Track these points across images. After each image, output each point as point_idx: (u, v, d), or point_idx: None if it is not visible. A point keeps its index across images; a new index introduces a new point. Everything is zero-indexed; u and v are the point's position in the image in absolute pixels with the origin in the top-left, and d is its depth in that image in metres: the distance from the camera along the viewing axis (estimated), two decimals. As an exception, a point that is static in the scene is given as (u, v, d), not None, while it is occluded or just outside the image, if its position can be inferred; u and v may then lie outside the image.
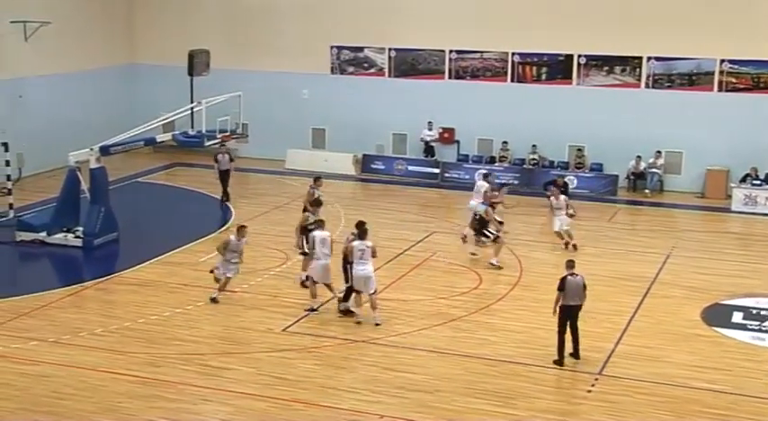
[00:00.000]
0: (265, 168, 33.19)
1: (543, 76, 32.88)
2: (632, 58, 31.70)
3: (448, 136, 33.48)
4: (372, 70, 34.60)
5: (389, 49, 34.31)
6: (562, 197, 23.93)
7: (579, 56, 32.16)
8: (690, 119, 30.71)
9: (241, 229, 19.58)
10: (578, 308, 16.32)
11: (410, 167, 32.98)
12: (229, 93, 25.60)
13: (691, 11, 30.44)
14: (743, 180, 29.81)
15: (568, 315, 16.21)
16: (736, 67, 30.75)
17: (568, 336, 16.28)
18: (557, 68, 32.60)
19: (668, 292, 20.40)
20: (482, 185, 23.98)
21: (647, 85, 31.72)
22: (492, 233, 22.18)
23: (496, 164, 32.54)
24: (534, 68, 32.95)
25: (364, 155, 33.78)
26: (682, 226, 27.37)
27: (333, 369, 16.10)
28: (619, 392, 15.23)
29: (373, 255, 18.15)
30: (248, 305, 19.15)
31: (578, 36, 31.49)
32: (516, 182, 31.33)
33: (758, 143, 29.82)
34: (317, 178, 23.17)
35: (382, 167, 33.40)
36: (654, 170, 31.24)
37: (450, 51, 33.57)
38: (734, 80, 30.87)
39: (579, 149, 32.14)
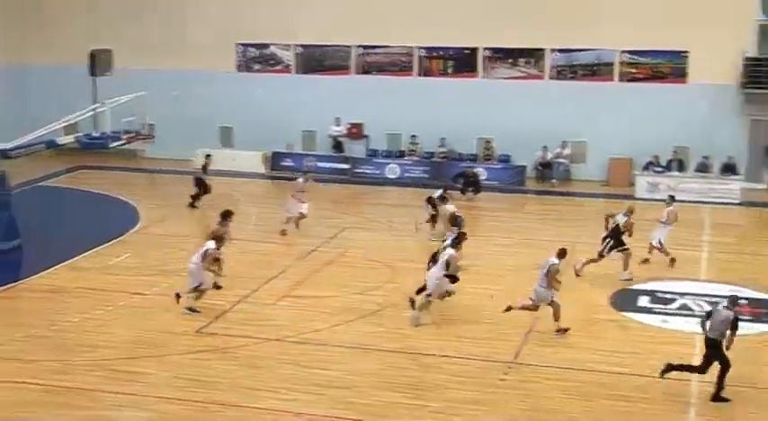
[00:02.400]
0: (174, 169, 32.73)
1: (449, 70, 33.20)
2: (535, 51, 32.25)
3: (356, 131, 33.54)
4: (279, 67, 34.44)
5: (295, 46, 34.20)
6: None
7: (484, 49, 32.59)
8: (593, 109, 31.40)
9: (221, 239, 19.09)
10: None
11: (320, 164, 32.94)
12: (134, 92, 25.14)
13: (590, 2, 31.10)
14: (645, 168, 30.63)
15: None
16: (635, 57, 31.55)
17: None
18: (462, 62, 32.94)
19: (576, 280, 20.77)
20: None
21: (550, 77, 32.32)
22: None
23: (405, 158, 32.75)
24: (440, 62, 33.24)
25: (273, 152, 33.61)
26: (588, 214, 27.94)
27: (249, 369, 16.00)
28: (531, 379, 15.49)
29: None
30: (161, 307, 18.86)
31: (483, 29, 31.89)
32: (426, 175, 31.62)
33: (659, 131, 30.61)
34: (227, 213, 20.87)
35: (292, 164, 33.29)
36: (560, 160, 31.87)
37: (357, 47, 33.65)
38: (633, 70, 31.68)
39: (487, 141, 32.56)
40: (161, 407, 14.55)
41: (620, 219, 20.84)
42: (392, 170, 32.42)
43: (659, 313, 18.57)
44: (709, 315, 14.78)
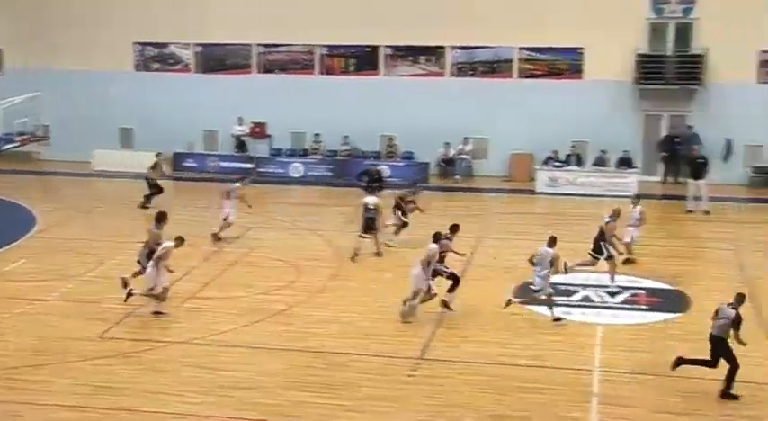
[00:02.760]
0: (71, 170, 31.92)
1: (351, 68, 33.23)
2: (436, 48, 32.53)
3: (259, 130, 33.31)
4: (178, 66, 33.94)
5: (195, 45, 33.75)
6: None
7: (385, 47, 32.71)
8: (493, 105, 31.83)
9: (180, 240, 18.53)
10: None
11: (222, 164, 32.60)
12: (28, 93, 24.45)
13: (489, 1, 31.48)
14: (545, 162, 31.19)
15: None
16: (533, 54, 32.11)
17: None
18: (363, 60, 33.02)
19: (483, 274, 21.04)
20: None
21: (451, 74, 32.66)
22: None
23: (309, 156, 32.64)
24: (342, 60, 33.24)
25: (175, 153, 33.10)
26: (491, 209, 28.31)
27: (155, 373, 15.68)
28: (441, 375, 15.58)
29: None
30: (61, 313, 18.34)
31: (383, 27, 32.00)
32: (330, 173, 31.59)
33: (557, 126, 31.21)
34: (161, 216, 19.54)
35: (194, 165, 32.86)
36: (462, 156, 32.22)
37: (258, 45, 33.40)
38: (531, 67, 32.24)
39: (390, 139, 32.70)
40: (62, 415, 14.14)
41: (605, 222, 20.20)
42: (296, 169, 32.30)
43: (562, 305, 18.88)
44: (716, 313, 14.76)
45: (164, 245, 18.29)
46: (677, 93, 31.16)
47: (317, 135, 32.90)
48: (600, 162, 31.10)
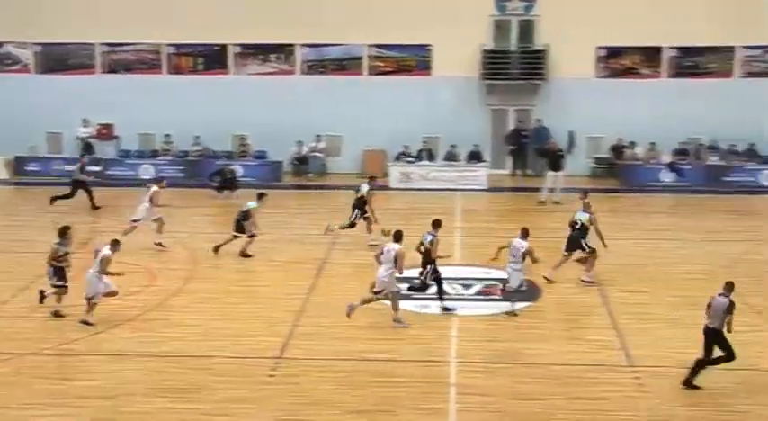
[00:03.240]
0: None
1: (199, 67, 32.78)
2: (285, 46, 32.46)
3: (106, 132, 32.45)
4: (17, 67, 32.67)
5: (33, 44, 32.56)
6: None
7: (234, 45, 32.41)
8: (345, 102, 31.97)
9: (116, 243, 17.91)
10: None
11: (68, 167, 31.41)
12: None
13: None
14: (398, 158, 31.60)
15: None
16: (382, 51, 32.47)
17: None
18: (212, 59, 32.64)
19: (338, 271, 21.16)
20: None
21: (302, 72, 32.65)
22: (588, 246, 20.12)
23: (159, 157, 32.00)
24: (189, 59, 32.75)
25: (16, 157, 31.84)
26: (346, 206, 28.40)
27: (4, 386, 15.06)
28: (301, 373, 15.57)
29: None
30: None
31: (232, 26, 31.69)
32: (182, 175, 31.06)
33: (408, 122, 31.65)
34: (64, 230, 18.52)
35: (38, 169, 31.70)
36: (315, 154, 32.27)
37: (101, 44, 32.52)
38: (381, 64, 32.59)
39: (242, 138, 32.42)
40: None
41: (582, 217, 20.08)
42: (146, 170, 31.55)
43: (418, 299, 19.17)
44: (709, 306, 14.69)
45: (102, 252, 17.59)
46: (522, 87, 32.12)
47: (167, 136, 32.27)
48: (451, 157, 31.73)
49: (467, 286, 20.06)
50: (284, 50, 32.62)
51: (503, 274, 19.88)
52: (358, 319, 17.94)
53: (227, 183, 29.22)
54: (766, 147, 31.48)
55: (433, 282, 18.42)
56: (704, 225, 25.98)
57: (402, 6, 31.59)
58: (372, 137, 31.91)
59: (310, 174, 32.01)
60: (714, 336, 14.57)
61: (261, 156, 32.28)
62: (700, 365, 14.66)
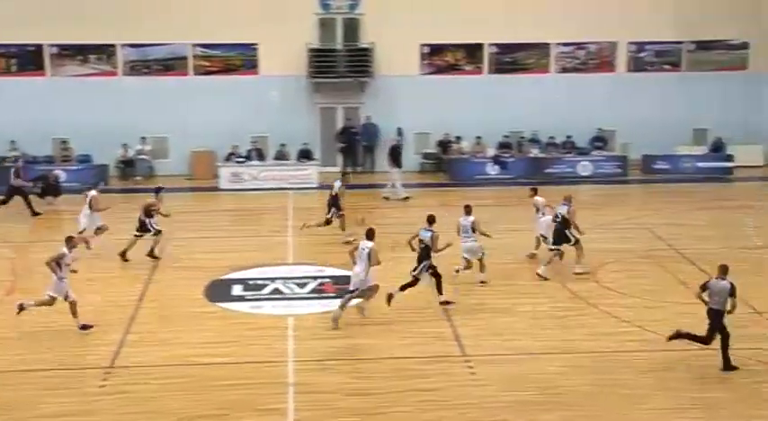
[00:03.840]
0: None
1: (13, 69, 31.44)
2: (106, 46, 31.53)
3: None
4: None
5: None
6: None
7: (50, 46, 31.26)
8: (170, 103, 31.46)
9: (71, 240, 16.95)
10: None
11: None
12: None
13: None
14: (227, 159, 31.23)
15: None
16: (207, 51, 32.01)
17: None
18: (26, 60, 31.38)
19: (170, 275, 20.71)
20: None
21: (124, 73, 31.81)
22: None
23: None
24: (1, 61, 31.38)
25: None
26: (176, 209, 27.80)
27: None
28: (134, 382, 15.14)
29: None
30: None
31: (48, 26, 30.56)
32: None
33: (236, 122, 31.37)
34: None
35: None
36: (142, 157, 31.50)
37: None
38: (207, 64, 32.13)
39: (64, 142, 31.27)
40: None
41: (563, 210, 20.17)
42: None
43: (252, 300, 19.04)
44: (704, 288, 15.14)
45: (59, 252, 16.88)
46: (349, 85, 32.35)
47: (-20, 141, 30.76)
48: (281, 156, 31.63)
49: (301, 285, 20.05)
50: (105, 51, 31.67)
51: (335, 271, 20.02)
52: (192, 324, 17.64)
53: (51, 188, 28.11)
54: (582, 139, 32.95)
55: (421, 278, 18.31)
56: (530, 215, 26.81)
57: (227, 5, 31.26)
58: (200, 138, 31.43)
59: (137, 178, 31.21)
60: (715, 316, 15.15)
61: (85, 160, 31.22)
62: (725, 347, 15.20)
